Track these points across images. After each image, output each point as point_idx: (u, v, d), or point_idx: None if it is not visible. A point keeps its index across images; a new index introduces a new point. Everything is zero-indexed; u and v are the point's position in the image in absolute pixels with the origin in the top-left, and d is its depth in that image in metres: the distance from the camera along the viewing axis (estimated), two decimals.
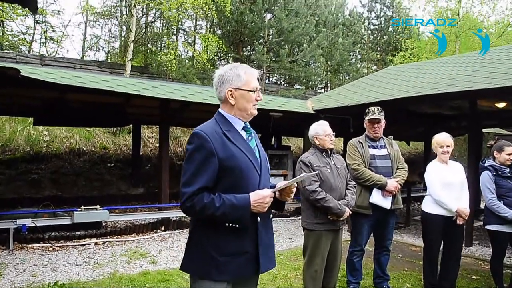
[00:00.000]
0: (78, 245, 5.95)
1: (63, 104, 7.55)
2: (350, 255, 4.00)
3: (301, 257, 4.05)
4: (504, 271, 4.16)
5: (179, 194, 1.89)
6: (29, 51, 15.97)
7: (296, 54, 16.43)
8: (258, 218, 1.92)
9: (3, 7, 13.58)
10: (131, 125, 10.25)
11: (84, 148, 10.68)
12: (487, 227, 3.98)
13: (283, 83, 20.41)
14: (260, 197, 1.86)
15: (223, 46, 15.13)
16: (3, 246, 5.64)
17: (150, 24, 18.26)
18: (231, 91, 1.96)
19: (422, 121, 9.18)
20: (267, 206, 1.90)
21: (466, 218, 3.69)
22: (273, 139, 10.60)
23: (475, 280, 4.64)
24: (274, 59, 15.40)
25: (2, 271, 4.67)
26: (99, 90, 6.00)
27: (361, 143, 3.99)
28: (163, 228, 7.15)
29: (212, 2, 14.15)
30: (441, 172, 3.78)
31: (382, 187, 3.79)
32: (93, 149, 10.84)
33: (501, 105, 6.87)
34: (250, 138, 2.02)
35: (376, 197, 3.82)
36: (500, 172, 3.96)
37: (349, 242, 4.09)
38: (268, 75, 17.61)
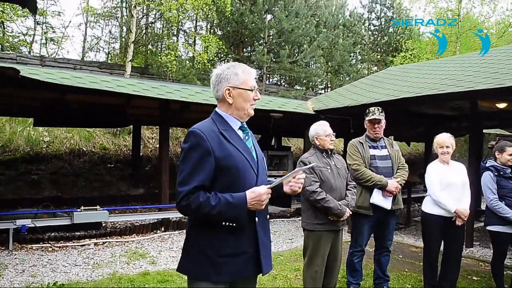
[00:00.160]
0: (77, 245, 5.94)
1: (63, 105, 7.56)
2: (350, 256, 3.98)
3: (301, 257, 4.04)
4: (505, 272, 4.14)
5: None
6: (29, 52, 16.00)
7: (296, 55, 16.43)
8: (257, 219, 1.89)
9: (4, 8, 13.61)
10: (131, 126, 10.27)
11: (84, 149, 10.68)
12: (489, 228, 3.96)
13: (283, 84, 20.41)
14: (257, 195, 1.81)
15: (223, 47, 15.14)
16: (3, 247, 5.63)
17: (150, 25, 18.30)
18: (228, 89, 1.93)
19: (423, 122, 9.16)
20: (264, 204, 1.86)
21: (465, 219, 3.67)
22: (273, 139, 10.59)
23: (476, 281, 4.62)
24: (274, 60, 15.41)
25: (2, 271, 4.66)
26: (99, 91, 6.01)
27: (362, 143, 3.97)
28: (163, 229, 7.13)
29: (213, 3, 14.16)
30: (441, 173, 3.77)
31: (382, 188, 3.78)
32: (93, 149, 10.84)
33: (501, 105, 6.86)
34: (247, 137, 1.99)
35: (377, 198, 3.81)
36: (501, 173, 3.93)
37: (349, 243, 4.07)
38: (268, 76, 17.61)
